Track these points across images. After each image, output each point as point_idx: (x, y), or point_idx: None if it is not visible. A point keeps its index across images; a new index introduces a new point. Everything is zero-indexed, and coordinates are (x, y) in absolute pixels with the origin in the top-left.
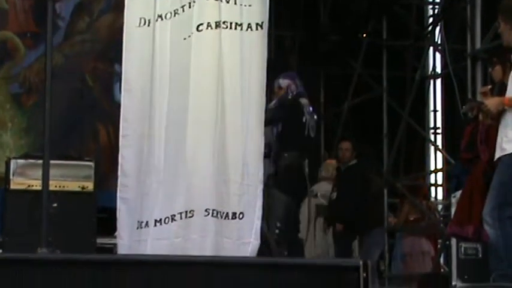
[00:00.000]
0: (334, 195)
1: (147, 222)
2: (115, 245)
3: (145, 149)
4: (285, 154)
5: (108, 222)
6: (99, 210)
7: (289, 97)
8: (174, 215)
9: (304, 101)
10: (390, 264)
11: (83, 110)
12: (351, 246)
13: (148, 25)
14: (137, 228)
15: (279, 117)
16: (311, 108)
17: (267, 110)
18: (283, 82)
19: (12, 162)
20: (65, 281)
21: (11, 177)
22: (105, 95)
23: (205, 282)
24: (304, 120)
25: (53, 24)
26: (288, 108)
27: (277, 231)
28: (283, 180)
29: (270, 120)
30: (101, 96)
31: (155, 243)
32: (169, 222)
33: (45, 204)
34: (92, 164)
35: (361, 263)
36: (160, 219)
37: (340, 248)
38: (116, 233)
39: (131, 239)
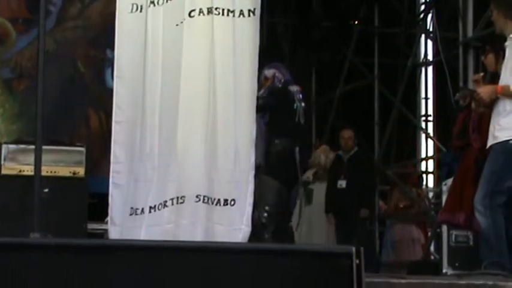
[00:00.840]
0: (344, 183)
1: (142, 209)
2: (106, 230)
3: (138, 135)
4: (276, 141)
5: (99, 208)
6: (90, 196)
7: (279, 85)
8: (166, 201)
9: (293, 88)
10: (380, 251)
11: (75, 96)
12: (353, 235)
13: (141, 11)
14: (130, 214)
15: (270, 105)
16: (300, 95)
17: (257, 98)
18: (269, 72)
19: (4, 148)
20: (59, 266)
21: (2, 162)
22: (97, 81)
23: (196, 268)
24: (295, 106)
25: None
26: (278, 96)
27: (265, 214)
28: (275, 167)
29: (260, 108)
30: (93, 82)
31: (148, 229)
32: (162, 208)
33: (37, 189)
34: (83, 149)
35: (354, 249)
36: (154, 206)
37: (343, 235)
38: (107, 219)
39: (124, 225)
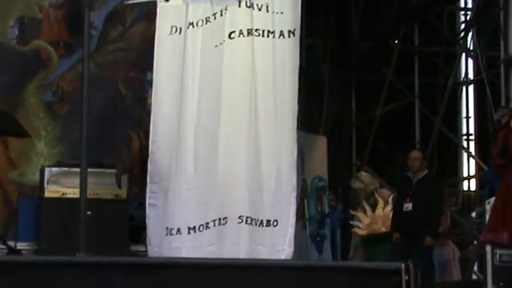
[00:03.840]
0: (410, 206)
1: (178, 229)
2: (142, 252)
3: (174, 155)
4: None
5: (141, 230)
6: (131, 218)
7: None
8: (208, 223)
9: None
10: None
11: (116, 118)
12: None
13: (180, 33)
14: (166, 234)
15: None
16: None
17: None
18: None
19: (46, 171)
20: (103, 284)
21: (45, 185)
22: (138, 103)
23: (244, 286)
24: None
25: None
26: None
27: None
28: None
29: None
30: (133, 104)
31: (189, 251)
32: (204, 229)
33: (83, 210)
34: (125, 172)
35: (403, 266)
36: (194, 227)
37: (401, 255)
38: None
39: (161, 246)
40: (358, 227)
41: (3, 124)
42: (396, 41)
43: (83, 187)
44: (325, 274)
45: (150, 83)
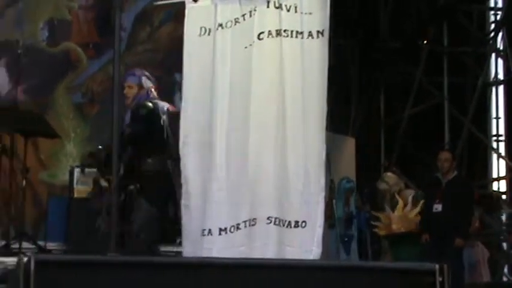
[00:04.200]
0: (439, 207)
1: (209, 230)
2: (177, 253)
3: (206, 156)
4: (149, 159)
5: (170, 230)
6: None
7: (146, 102)
8: (239, 224)
9: (161, 103)
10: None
11: None
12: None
13: (209, 34)
14: (201, 235)
15: (139, 134)
16: (166, 108)
17: (125, 130)
18: (133, 79)
19: (76, 171)
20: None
21: (74, 186)
22: None
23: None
24: (161, 122)
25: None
26: (146, 118)
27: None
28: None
29: (129, 140)
30: None
31: (220, 252)
32: (235, 231)
33: (114, 210)
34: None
35: (437, 267)
36: (225, 228)
37: (431, 256)
38: (179, 240)
39: (195, 247)
40: (378, 227)
41: (34, 125)
42: (425, 41)
43: (115, 188)
44: (357, 275)
45: (178, 84)
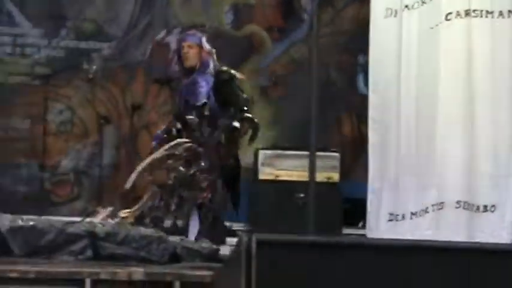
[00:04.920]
0: None
1: (403, 215)
2: (360, 236)
3: (393, 140)
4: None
5: (352, 213)
6: (343, 201)
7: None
8: (427, 207)
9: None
10: None
11: (327, 102)
12: None
13: (395, 15)
14: (390, 220)
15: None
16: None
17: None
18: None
19: (261, 153)
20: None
21: (259, 167)
22: (349, 87)
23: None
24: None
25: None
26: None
27: None
28: None
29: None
30: (345, 88)
31: (411, 235)
32: (424, 214)
33: (311, 193)
34: (337, 155)
35: None
36: (416, 212)
37: None
38: (361, 224)
39: (382, 231)
40: None
41: None
42: None
43: (312, 169)
44: None
45: (361, 66)
